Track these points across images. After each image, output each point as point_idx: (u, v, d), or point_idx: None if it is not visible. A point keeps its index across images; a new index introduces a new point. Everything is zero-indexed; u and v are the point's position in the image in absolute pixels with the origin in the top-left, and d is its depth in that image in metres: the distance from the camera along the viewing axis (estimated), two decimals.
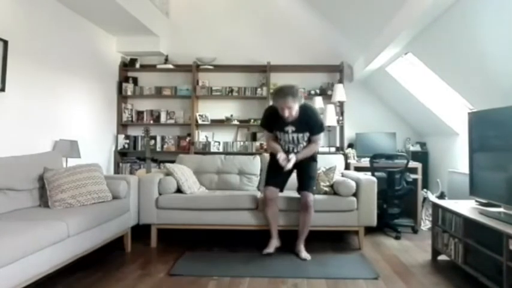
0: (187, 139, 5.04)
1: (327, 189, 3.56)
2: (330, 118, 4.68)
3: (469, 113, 3.03)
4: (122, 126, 5.15)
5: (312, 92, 5.04)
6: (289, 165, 3.09)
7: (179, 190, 3.61)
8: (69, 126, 3.99)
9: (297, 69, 5.10)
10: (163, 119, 5.16)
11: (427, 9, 2.73)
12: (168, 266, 2.97)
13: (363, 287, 2.58)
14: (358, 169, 4.39)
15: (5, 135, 3.12)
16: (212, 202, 3.46)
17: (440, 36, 3.13)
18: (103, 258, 3.12)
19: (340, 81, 5.00)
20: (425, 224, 4.24)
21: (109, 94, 4.89)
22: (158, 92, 5.12)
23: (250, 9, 5.24)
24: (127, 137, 5.10)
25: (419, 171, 4.43)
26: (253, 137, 5.14)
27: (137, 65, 5.14)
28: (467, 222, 2.66)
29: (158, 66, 5.14)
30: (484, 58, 2.85)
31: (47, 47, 3.62)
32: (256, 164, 4.12)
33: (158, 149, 5.06)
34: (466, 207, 2.88)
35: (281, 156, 3.12)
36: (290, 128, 3.16)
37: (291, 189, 3.39)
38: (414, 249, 3.51)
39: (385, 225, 4.06)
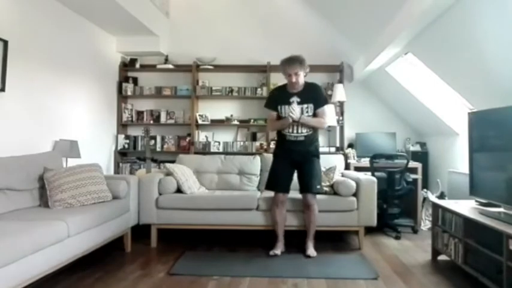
0: (187, 139, 5.04)
1: (327, 189, 3.56)
2: (330, 118, 4.67)
3: (469, 113, 3.03)
4: (122, 126, 5.15)
5: None
6: (296, 115, 3.09)
7: (179, 190, 3.61)
8: (69, 126, 3.99)
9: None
10: (163, 119, 5.16)
11: (427, 9, 2.73)
12: (168, 266, 2.97)
13: (363, 287, 2.58)
14: (358, 169, 4.39)
15: (5, 135, 3.12)
16: (212, 202, 3.46)
17: (440, 36, 3.13)
18: (103, 258, 3.12)
19: (340, 81, 5.00)
20: (425, 224, 4.23)
21: (109, 94, 4.89)
22: (158, 92, 5.12)
23: (250, 9, 5.24)
24: (127, 137, 5.10)
25: (419, 171, 4.43)
26: (253, 137, 5.14)
27: (137, 65, 5.13)
28: (467, 222, 2.66)
29: (158, 66, 5.14)
30: (484, 58, 2.85)
31: (47, 47, 3.62)
32: (256, 164, 4.12)
33: (158, 149, 5.06)
34: (466, 207, 2.88)
35: (289, 114, 3.11)
36: (295, 99, 3.18)
37: (297, 189, 3.39)
38: (414, 249, 3.51)
39: (385, 225, 4.06)
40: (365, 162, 4.51)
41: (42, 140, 3.57)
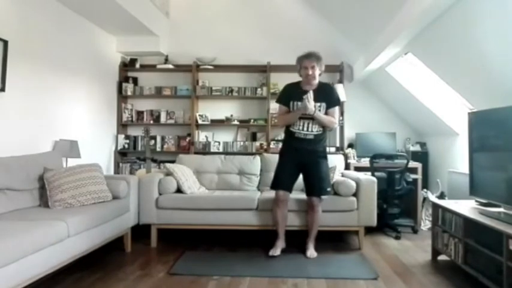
0: (187, 139, 5.04)
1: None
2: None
3: (469, 113, 3.03)
4: (122, 126, 5.15)
5: None
6: (311, 105, 3.06)
7: (179, 190, 3.61)
8: (69, 126, 3.99)
9: (297, 69, 5.08)
10: (163, 119, 5.16)
11: (427, 9, 2.73)
12: (168, 265, 2.97)
13: (363, 287, 2.58)
14: (358, 169, 4.39)
15: (5, 135, 3.12)
16: (212, 202, 3.46)
17: (440, 36, 3.13)
18: (103, 258, 3.12)
19: (340, 81, 4.99)
20: (425, 224, 4.23)
21: (109, 94, 4.89)
22: (158, 92, 5.12)
23: (250, 9, 5.24)
24: (127, 137, 5.10)
25: (419, 171, 4.43)
26: (253, 137, 5.14)
27: (137, 65, 5.13)
28: (467, 222, 2.66)
29: (158, 66, 5.14)
30: (484, 58, 2.85)
31: (47, 47, 3.62)
32: (256, 164, 4.12)
33: (158, 149, 5.06)
34: (466, 207, 2.88)
35: (304, 101, 3.07)
36: (309, 94, 3.13)
37: (299, 189, 3.39)
38: (414, 249, 3.51)
39: (385, 225, 4.06)
40: (365, 162, 4.51)
41: (42, 140, 3.57)
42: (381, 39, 3.90)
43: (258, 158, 4.19)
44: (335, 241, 3.69)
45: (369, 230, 3.80)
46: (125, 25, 4.45)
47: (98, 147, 4.62)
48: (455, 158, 4.23)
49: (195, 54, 5.10)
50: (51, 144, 3.69)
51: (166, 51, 5.19)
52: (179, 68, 5.14)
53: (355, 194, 3.44)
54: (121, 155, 5.11)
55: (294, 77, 5.04)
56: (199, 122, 5.06)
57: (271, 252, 3.16)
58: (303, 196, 3.30)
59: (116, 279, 2.68)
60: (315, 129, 3.18)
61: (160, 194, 3.52)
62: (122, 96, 5.09)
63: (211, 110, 5.21)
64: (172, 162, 4.16)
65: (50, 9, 3.65)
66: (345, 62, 5.07)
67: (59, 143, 3.72)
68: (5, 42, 3.06)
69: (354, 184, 3.44)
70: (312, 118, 3.14)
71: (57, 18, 3.77)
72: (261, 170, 4.12)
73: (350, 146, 5.00)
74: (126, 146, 5.06)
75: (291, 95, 3.24)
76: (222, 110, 5.19)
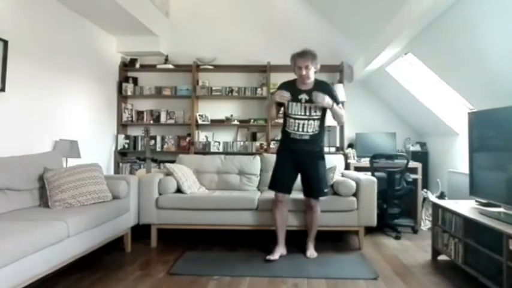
0: (187, 139, 5.04)
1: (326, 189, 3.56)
2: (330, 118, 4.66)
3: (469, 113, 3.03)
4: (122, 126, 5.15)
5: None
6: (318, 98, 2.98)
7: (179, 190, 3.61)
8: (69, 126, 3.99)
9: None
10: (163, 119, 5.16)
11: (427, 9, 2.73)
12: (168, 266, 2.97)
13: (363, 287, 2.58)
14: (358, 169, 4.39)
15: (5, 135, 3.12)
16: (212, 202, 3.46)
17: (440, 36, 3.12)
18: (103, 258, 3.12)
19: (340, 81, 4.99)
20: (425, 224, 4.23)
21: (109, 94, 4.89)
22: (158, 92, 5.12)
23: (250, 9, 5.24)
24: (127, 137, 5.10)
25: (419, 171, 4.43)
26: (253, 137, 5.14)
27: (137, 65, 5.13)
28: (467, 222, 2.66)
29: (158, 66, 5.14)
30: (484, 58, 2.85)
31: (47, 47, 3.62)
32: (256, 164, 4.12)
33: (158, 149, 5.06)
34: (466, 207, 2.88)
35: (321, 96, 3.00)
36: (304, 97, 3.07)
37: (298, 189, 3.38)
38: (414, 249, 3.51)
39: (385, 225, 4.06)
40: (365, 162, 4.51)
41: (42, 140, 3.57)
42: (380, 39, 3.90)
43: (258, 158, 4.19)
44: (335, 241, 3.69)
45: (369, 230, 3.80)
46: (125, 25, 4.45)
47: (98, 147, 4.62)
48: (455, 158, 4.23)
49: (195, 54, 5.10)
50: (51, 144, 3.69)
51: (166, 51, 5.19)
52: (179, 68, 5.14)
53: (355, 194, 3.44)
54: (121, 155, 5.11)
55: (294, 77, 5.08)
56: (199, 122, 5.06)
57: (268, 257, 3.08)
58: (302, 196, 3.29)
59: (116, 279, 2.68)
60: (311, 130, 3.10)
61: (160, 194, 3.52)
62: (122, 96, 5.09)
63: (211, 110, 5.21)
64: (172, 162, 4.16)
65: (50, 9, 3.65)
66: (345, 62, 5.07)
67: (59, 143, 3.72)
68: (5, 42, 3.06)
69: (354, 184, 3.44)
70: (307, 119, 3.08)
71: (57, 18, 3.77)
72: (261, 170, 4.12)
73: (350, 146, 5.00)
74: (126, 146, 5.06)
75: (287, 91, 3.13)
76: (222, 110, 5.19)
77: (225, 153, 4.81)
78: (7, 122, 3.15)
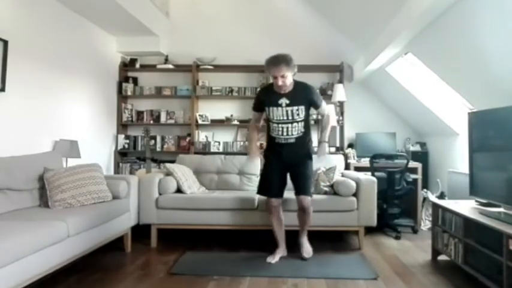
0: (187, 139, 5.04)
1: (327, 189, 3.56)
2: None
3: (469, 113, 3.03)
4: (122, 126, 5.15)
5: None
6: (325, 154, 3.09)
7: (179, 190, 3.61)
8: (69, 126, 3.99)
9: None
10: (163, 119, 5.16)
11: (426, 9, 2.73)
12: (168, 266, 2.97)
13: (363, 287, 2.58)
14: (358, 169, 4.39)
15: (5, 135, 3.12)
16: (212, 202, 3.46)
17: (440, 36, 3.13)
18: (103, 258, 3.12)
19: (340, 81, 4.99)
20: (425, 224, 4.23)
21: (109, 94, 4.89)
22: (158, 92, 5.12)
23: (250, 9, 5.24)
24: (127, 137, 5.10)
25: (419, 171, 4.43)
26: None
27: (137, 65, 5.13)
28: (467, 222, 2.66)
29: (158, 66, 5.14)
30: (484, 58, 2.85)
31: (47, 47, 3.62)
32: (256, 164, 4.11)
33: (158, 149, 5.06)
34: (466, 207, 2.88)
35: (252, 153, 3.18)
36: (284, 101, 2.94)
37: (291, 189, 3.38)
38: (414, 249, 3.51)
39: (385, 225, 4.06)
40: (365, 162, 4.51)
41: (42, 140, 3.57)
42: (380, 39, 3.90)
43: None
44: (335, 241, 3.69)
45: (369, 230, 3.80)
46: (125, 25, 4.45)
47: (98, 147, 4.62)
48: (455, 158, 4.23)
49: (195, 54, 5.10)
50: (51, 144, 3.68)
51: (166, 51, 5.19)
52: (179, 68, 5.14)
53: (355, 194, 3.44)
54: (121, 155, 5.11)
55: (294, 77, 5.08)
56: (199, 122, 5.06)
57: (268, 259, 3.06)
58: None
59: (116, 280, 2.68)
60: (295, 133, 2.99)
61: (160, 194, 3.52)
62: (121, 96, 5.09)
63: (211, 110, 5.21)
64: (172, 162, 4.16)
65: (50, 9, 3.65)
66: (345, 62, 5.07)
67: (59, 143, 3.72)
68: (5, 42, 3.06)
69: (354, 184, 3.44)
70: (290, 122, 2.97)
71: (57, 18, 3.77)
72: (261, 170, 4.11)
73: (350, 146, 5.00)
74: (126, 146, 5.06)
75: (265, 101, 3.03)
76: (222, 110, 5.19)
77: (225, 153, 4.81)
78: (7, 122, 3.15)
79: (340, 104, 4.93)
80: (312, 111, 3.20)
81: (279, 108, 2.96)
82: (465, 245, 2.70)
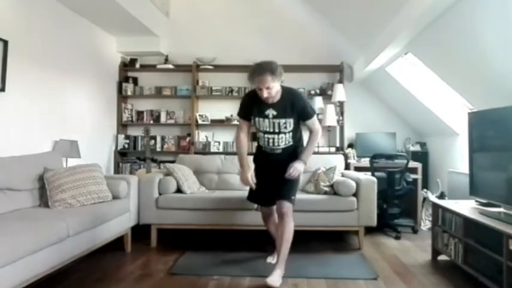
0: (187, 139, 5.04)
1: (327, 189, 3.56)
2: (330, 118, 4.68)
3: (469, 113, 3.03)
4: (122, 126, 5.15)
5: (312, 92, 5.05)
6: (295, 175, 2.67)
7: (179, 190, 3.61)
8: (69, 126, 3.99)
9: (297, 69, 5.09)
10: (163, 119, 5.16)
11: (427, 9, 2.73)
12: (168, 266, 2.97)
13: (363, 287, 2.58)
14: (358, 169, 4.39)
15: (5, 135, 3.12)
16: (212, 202, 3.46)
17: (440, 36, 3.12)
18: (103, 258, 3.12)
19: (340, 81, 4.99)
20: (425, 224, 4.24)
21: (109, 94, 4.89)
22: (158, 92, 5.12)
23: (250, 9, 5.24)
24: (127, 137, 5.10)
25: (419, 171, 4.43)
26: (253, 137, 5.13)
27: (137, 65, 5.13)
28: (467, 222, 2.66)
29: (158, 66, 5.14)
30: (484, 58, 2.85)
31: (47, 47, 3.62)
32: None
33: (158, 149, 5.06)
34: (466, 207, 2.88)
35: (243, 177, 2.80)
36: (271, 112, 2.67)
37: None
38: (414, 249, 3.51)
39: (385, 225, 4.06)
40: (365, 162, 4.51)
41: (42, 140, 3.57)
42: (380, 39, 3.90)
43: None
44: (335, 241, 3.69)
45: (369, 230, 3.80)
46: (125, 25, 4.45)
47: (98, 147, 4.62)
48: (455, 158, 4.23)
49: (195, 54, 5.11)
50: (51, 144, 3.68)
51: (166, 51, 5.19)
52: (179, 68, 5.14)
53: (355, 194, 3.44)
54: (121, 155, 5.11)
55: (294, 77, 5.10)
56: (199, 122, 5.06)
57: (268, 259, 3.04)
58: (300, 196, 3.29)
59: (116, 279, 2.68)
60: (282, 144, 2.75)
61: (160, 194, 3.52)
62: (122, 96, 5.09)
63: (211, 110, 5.21)
64: (172, 162, 4.16)
65: (50, 9, 3.65)
66: (345, 62, 5.08)
67: (59, 143, 3.72)
68: (5, 42, 3.06)
69: (354, 184, 3.44)
70: (277, 133, 2.72)
71: (57, 18, 3.77)
72: None
73: (350, 146, 5.00)
74: (126, 146, 5.06)
75: (251, 109, 2.76)
76: (222, 110, 5.19)
77: (225, 153, 4.81)
78: (7, 122, 3.15)
79: (340, 104, 4.93)
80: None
81: (266, 120, 2.71)
82: (465, 245, 2.70)
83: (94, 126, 4.52)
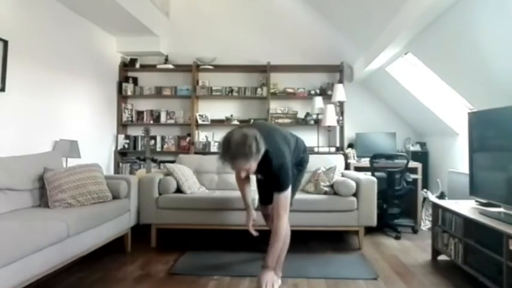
0: (187, 139, 5.04)
1: (327, 189, 3.56)
2: (330, 118, 4.68)
3: (469, 113, 3.03)
4: (122, 126, 5.15)
5: (312, 92, 5.05)
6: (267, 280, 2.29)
7: (179, 190, 3.61)
8: (69, 126, 3.99)
9: (297, 69, 5.10)
10: (163, 119, 5.16)
11: (426, 9, 2.73)
12: (168, 266, 2.97)
13: (363, 287, 2.58)
14: (358, 169, 4.39)
15: (5, 135, 3.12)
16: (212, 202, 3.46)
17: (440, 36, 3.13)
18: (103, 258, 3.12)
19: (340, 81, 5.00)
20: (425, 224, 4.24)
21: (109, 94, 4.89)
22: (158, 92, 5.12)
23: (250, 9, 5.24)
24: (127, 137, 5.10)
25: (419, 171, 4.43)
26: None
27: (137, 65, 5.13)
28: (467, 222, 2.66)
29: (158, 66, 5.14)
30: (484, 58, 2.85)
31: (47, 47, 3.62)
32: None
33: (158, 149, 5.06)
34: (466, 207, 2.88)
35: (249, 221, 2.69)
36: (258, 174, 2.58)
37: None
38: (414, 249, 3.51)
39: (385, 225, 4.06)
40: (365, 162, 4.51)
41: (42, 140, 3.57)
42: (380, 39, 3.90)
43: None
44: (335, 241, 3.69)
45: (369, 230, 3.80)
46: (125, 25, 4.45)
47: (98, 147, 4.62)
48: (455, 158, 4.23)
49: (195, 54, 5.11)
50: (51, 144, 3.68)
51: (166, 51, 5.19)
52: (179, 68, 5.14)
53: (355, 194, 3.44)
54: (121, 155, 5.11)
55: (294, 77, 5.11)
56: (199, 122, 5.06)
57: None
58: (300, 196, 3.28)
59: (116, 280, 2.68)
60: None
61: (160, 194, 3.52)
62: (122, 96, 5.09)
63: (211, 110, 5.21)
64: (172, 162, 4.16)
65: (50, 9, 3.65)
66: (345, 62, 5.08)
67: (59, 143, 3.72)
68: (5, 42, 3.06)
69: (354, 184, 3.44)
70: (266, 188, 2.61)
71: (57, 18, 3.77)
72: None
73: (350, 146, 5.00)
74: (126, 146, 5.06)
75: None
76: (222, 110, 5.19)
77: None
78: (7, 122, 3.15)
79: (340, 104, 4.93)
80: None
81: (255, 177, 2.73)
82: (465, 245, 2.70)
83: (94, 126, 4.52)
